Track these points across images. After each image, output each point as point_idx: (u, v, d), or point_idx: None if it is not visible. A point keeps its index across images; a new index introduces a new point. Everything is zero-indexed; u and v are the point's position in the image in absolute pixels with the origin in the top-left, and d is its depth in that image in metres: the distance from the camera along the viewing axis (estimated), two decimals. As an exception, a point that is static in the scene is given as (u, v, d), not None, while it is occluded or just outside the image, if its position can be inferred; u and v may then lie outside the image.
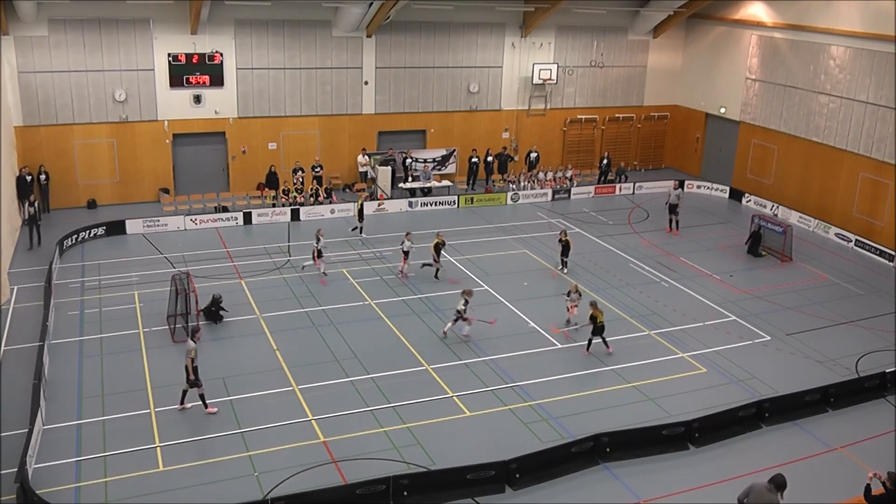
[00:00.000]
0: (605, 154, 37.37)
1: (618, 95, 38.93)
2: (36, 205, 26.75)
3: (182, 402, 17.10)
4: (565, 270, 25.68)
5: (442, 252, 25.07)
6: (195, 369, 16.75)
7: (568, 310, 21.96)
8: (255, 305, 22.61)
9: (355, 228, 28.94)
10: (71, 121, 29.93)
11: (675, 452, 16.42)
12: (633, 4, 37.01)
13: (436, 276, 24.87)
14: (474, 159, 34.99)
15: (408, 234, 25.12)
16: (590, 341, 20.45)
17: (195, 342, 17.15)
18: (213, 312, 21.21)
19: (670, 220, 30.69)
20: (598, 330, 20.18)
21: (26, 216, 26.73)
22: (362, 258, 26.69)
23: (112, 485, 14.70)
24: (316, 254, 24.53)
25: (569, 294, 22.02)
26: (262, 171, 32.36)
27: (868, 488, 12.88)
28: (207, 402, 17.06)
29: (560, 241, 25.77)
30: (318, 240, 24.51)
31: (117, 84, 30.11)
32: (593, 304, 20.42)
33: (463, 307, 20.63)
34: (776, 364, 20.39)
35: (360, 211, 28.91)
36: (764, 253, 28.31)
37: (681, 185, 36.76)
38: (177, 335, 20.43)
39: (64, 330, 20.71)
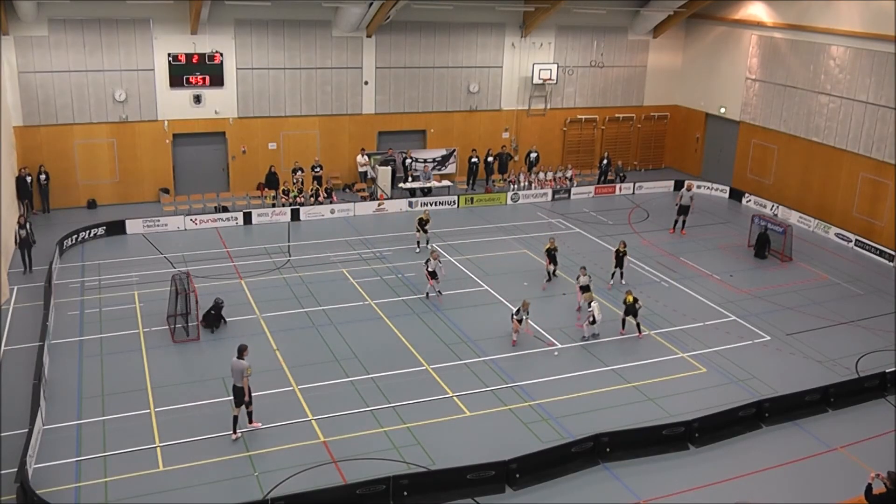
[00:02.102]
0: (605, 154, 37.38)
1: (618, 95, 38.94)
2: (28, 227, 24.59)
3: (235, 430, 16.23)
4: (623, 281, 24.80)
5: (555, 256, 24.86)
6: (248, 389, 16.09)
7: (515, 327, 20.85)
8: (255, 305, 22.60)
9: (428, 242, 27.30)
10: (71, 121, 29.93)
11: (675, 452, 16.42)
12: (633, 4, 37.01)
13: (554, 275, 24.99)
14: (474, 159, 34.99)
15: (583, 268, 23.22)
16: (623, 321, 21.56)
17: (245, 360, 15.99)
18: (213, 317, 21.04)
19: (676, 221, 30.61)
20: (631, 310, 21.22)
21: (18, 239, 24.52)
22: (362, 258, 26.69)
23: (112, 485, 14.70)
24: (429, 275, 23.21)
25: (517, 311, 20.61)
26: (262, 171, 32.36)
27: (869, 488, 12.89)
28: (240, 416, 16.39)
29: (618, 251, 24.68)
30: (429, 262, 23.17)
31: (117, 84, 30.11)
32: (629, 292, 21.57)
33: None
34: (776, 364, 20.40)
35: (423, 224, 26.94)
36: (768, 255, 28.30)
37: (680, 185, 36.79)
38: (177, 335, 20.46)
39: (64, 330, 20.70)
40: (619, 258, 24.78)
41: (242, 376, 15.80)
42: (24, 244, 24.26)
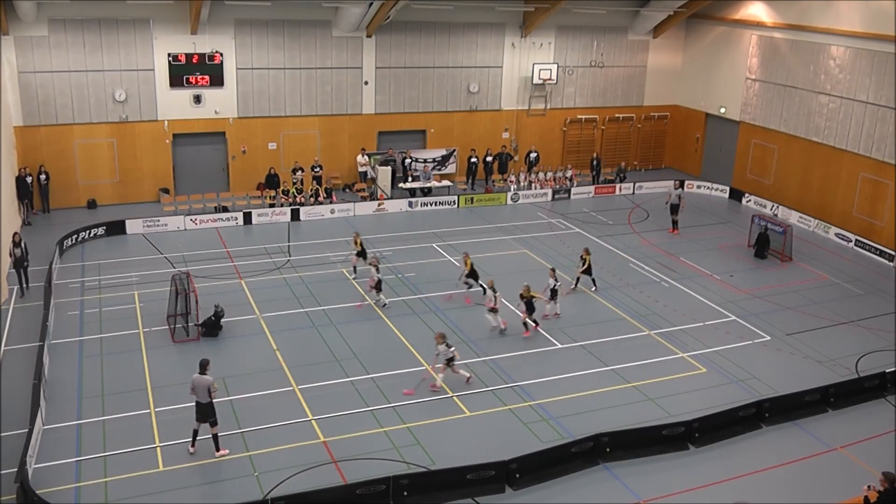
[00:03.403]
0: (595, 155, 37.27)
1: (618, 95, 38.93)
2: (23, 245, 22.70)
3: (218, 448, 15.69)
4: (594, 288, 24.37)
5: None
6: None
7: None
8: (255, 305, 22.60)
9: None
10: (71, 121, 29.93)
11: (675, 452, 16.42)
12: (633, 4, 37.02)
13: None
14: (473, 159, 35.02)
15: (553, 269, 22.45)
16: (525, 323, 21.11)
17: (208, 374, 15.57)
18: (213, 323, 20.89)
19: (676, 222, 30.61)
20: (530, 308, 20.95)
21: (13, 257, 22.62)
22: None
23: (112, 485, 14.70)
24: (375, 284, 22.38)
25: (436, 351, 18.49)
26: (262, 171, 32.36)
27: (867, 500, 12.94)
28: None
29: (581, 258, 24.17)
30: (374, 268, 22.43)
31: (117, 84, 30.11)
32: (526, 287, 21.12)
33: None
34: (776, 364, 20.39)
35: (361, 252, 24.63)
36: (768, 255, 28.30)
37: (681, 184, 36.80)
38: (177, 335, 20.45)
39: (64, 330, 20.70)
40: (586, 264, 24.14)
41: (209, 392, 15.37)
42: (19, 264, 22.64)
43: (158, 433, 16.30)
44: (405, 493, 14.45)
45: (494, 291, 21.17)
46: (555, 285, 22.22)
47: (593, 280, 24.45)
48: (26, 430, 15.37)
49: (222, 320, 20.93)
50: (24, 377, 17.82)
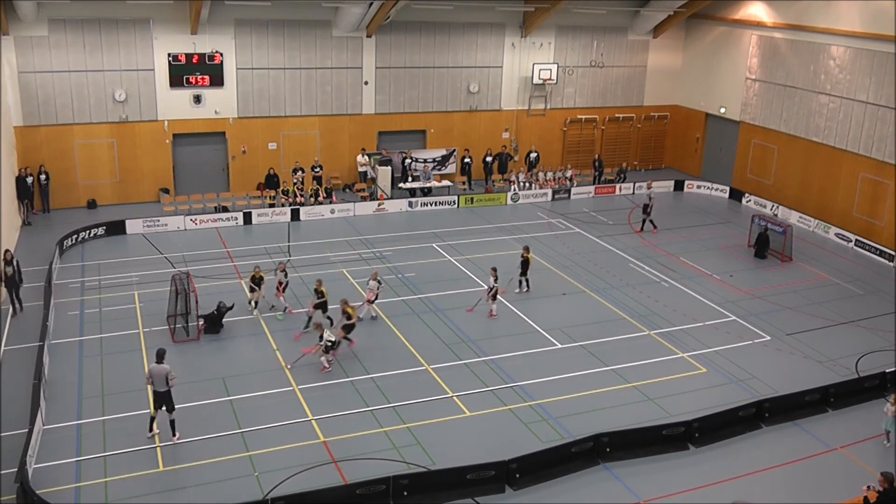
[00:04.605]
0: (597, 155, 37.26)
1: (618, 95, 38.93)
2: (14, 263, 21.59)
3: (175, 433, 16.05)
4: (526, 289, 23.96)
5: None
6: None
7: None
8: (254, 305, 22.57)
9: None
10: (71, 121, 29.93)
11: (675, 452, 16.42)
12: (633, 4, 37.01)
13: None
14: (466, 160, 35.03)
15: (494, 269, 22.22)
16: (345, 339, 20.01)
17: (164, 363, 15.81)
18: (216, 318, 20.95)
19: (651, 221, 30.59)
20: (348, 328, 19.90)
21: (4, 276, 21.39)
22: (362, 258, 26.70)
23: (112, 485, 14.70)
24: (282, 287, 22.04)
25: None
26: (262, 171, 32.35)
27: (866, 501, 12.95)
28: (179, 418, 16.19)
29: (522, 257, 23.87)
30: (276, 272, 22.24)
31: (117, 84, 30.11)
32: (344, 301, 20.17)
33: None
34: (776, 364, 20.39)
35: (257, 283, 22.02)
36: (768, 255, 28.30)
37: (680, 185, 36.84)
38: (177, 335, 20.46)
39: (64, 330, 20.70)
40: (524, 265, 23.80)
41: (166, 381, 15.58)
42: (11, 283, 21.51)
43: (158, 433, 16.29)
44: (405, 493, 14.46)
45: (379, 283, 21.64)
46: (494, 284, 22.10)
47: (527, 281, 24.05)
48: (26, 430, 15.37)
49: (224, 319, 20.96)
50: (24, 377, 17.81)
